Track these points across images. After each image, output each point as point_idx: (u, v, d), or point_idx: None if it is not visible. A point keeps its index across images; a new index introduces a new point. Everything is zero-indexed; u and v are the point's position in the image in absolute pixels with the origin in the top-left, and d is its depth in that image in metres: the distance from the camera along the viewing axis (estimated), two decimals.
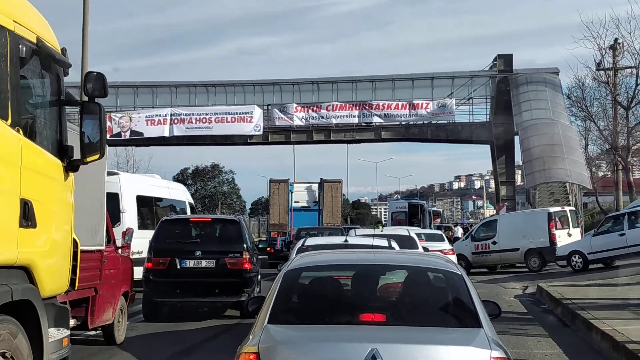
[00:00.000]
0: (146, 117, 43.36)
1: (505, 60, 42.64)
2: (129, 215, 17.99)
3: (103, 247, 10.05)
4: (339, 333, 4.71)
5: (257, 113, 43.00)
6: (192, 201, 24.69)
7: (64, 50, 6.27)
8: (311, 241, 12.33)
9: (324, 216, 34.10)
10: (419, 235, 20.31)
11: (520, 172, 48.50)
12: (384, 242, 11.54)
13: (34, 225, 5.39)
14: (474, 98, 42.34)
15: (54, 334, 5.86)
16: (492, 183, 71.80)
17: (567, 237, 25.37)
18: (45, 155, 5.75)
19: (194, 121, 43.15)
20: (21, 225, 5.22)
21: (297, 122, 43.17)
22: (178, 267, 13.63)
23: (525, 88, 40.29)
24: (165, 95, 45.06)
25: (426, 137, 43.53)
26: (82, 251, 8.98)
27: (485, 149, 43.89)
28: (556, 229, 25.79)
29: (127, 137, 43.50)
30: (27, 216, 5.28)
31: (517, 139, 39.71)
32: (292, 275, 5.44)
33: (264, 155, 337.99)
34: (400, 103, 42.26)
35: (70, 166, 6.19)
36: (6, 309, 5.00)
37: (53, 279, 5.88)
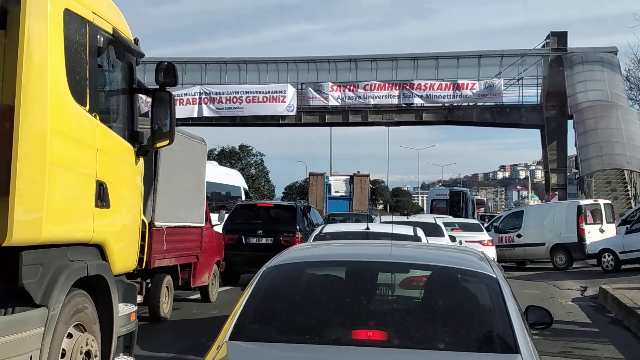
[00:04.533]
0: (175, 96, 41.14)
1: (560, 38, 39.50)
2: None
3: (203, 224, 12.43)
4: (319, 357, 3.56)
5: (291, 92, 40.60)
6: (246, 187, 26.93)
7: (136, 40, 6.39)
8: (330, 228, 11.36)
9: (354, 204, 39.88)
10: (452, 224, 19.25)
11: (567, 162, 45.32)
12: (409, 231, 10.29)
13: (107, 206, 5.58)
14: (525, 78, 39.44)
15: (122, 309, 6.02)
16: (538, 173, 68.46)
17: (599, 234, 22.57)
18: (118, 140, 5.94)
19: (224, 101, 41.15)
20: (96, 205, 5.40)
21: (332, 102, 40.65)
22: (244, 242, 16.50)
23: (580, 68, 37.18)
24: (195, 73, 42.88)
25: (471, 119, 40.61)
26: (188, 227, 11.68)
27: (532, 137, 41.28)
28: (586, 223, 22.95)
29: None
30: (102, 197, 5.48)
31: (570, 123, 36.66)
32: (272, 275, 4.20)
33: (298, 141, 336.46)
34: (443, 83, 39.50)
35: (141, 151, 6.36)
36: (80, 283, 5.17)
37: (123, 257, 6.08)
